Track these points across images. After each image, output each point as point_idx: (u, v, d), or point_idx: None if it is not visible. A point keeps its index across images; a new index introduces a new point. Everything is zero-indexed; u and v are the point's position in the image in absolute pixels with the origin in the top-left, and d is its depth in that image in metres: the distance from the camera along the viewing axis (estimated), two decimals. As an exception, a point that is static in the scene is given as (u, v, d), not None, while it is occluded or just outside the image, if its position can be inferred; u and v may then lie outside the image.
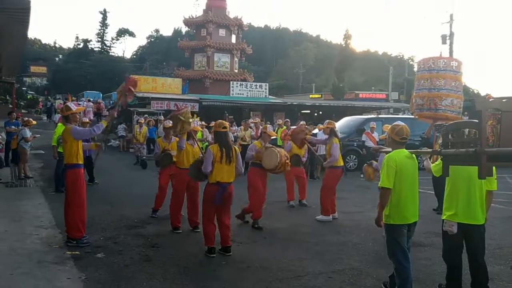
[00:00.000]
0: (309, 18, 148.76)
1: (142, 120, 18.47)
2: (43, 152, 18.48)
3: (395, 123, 5.21)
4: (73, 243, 6.73)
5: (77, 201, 6.87)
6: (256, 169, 8.13)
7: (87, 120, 12.98)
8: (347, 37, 47.75)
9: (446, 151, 4.14)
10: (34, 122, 14.25)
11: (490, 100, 3.86)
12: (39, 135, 15.36)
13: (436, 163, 5.02)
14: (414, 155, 4.87)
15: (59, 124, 11.78)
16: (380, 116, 23.39)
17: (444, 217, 4.96)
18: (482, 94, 59.95)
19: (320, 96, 51.02)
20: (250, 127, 15.76)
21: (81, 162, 6.97)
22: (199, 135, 16.52)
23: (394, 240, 4.82)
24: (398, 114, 29.00)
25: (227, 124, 6.69)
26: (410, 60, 76.00)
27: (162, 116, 21.68)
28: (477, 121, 3.75)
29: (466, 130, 4.05)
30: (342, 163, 9.13)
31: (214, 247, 6.44)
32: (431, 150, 5.29)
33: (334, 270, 5.91)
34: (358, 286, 5.37)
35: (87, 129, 7.51)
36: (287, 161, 7.85)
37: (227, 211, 6.59)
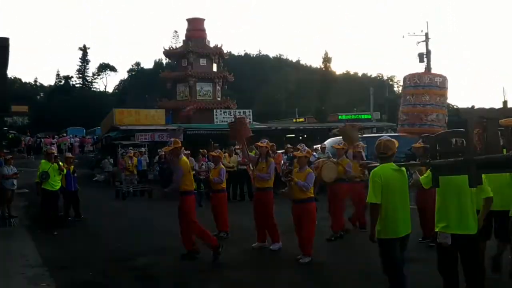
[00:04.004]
0: (288, 43, 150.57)
1: (131, 153, 18.49)
2: (27, 190, 18.15)
3: (380, 138, 5.24)
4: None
5: (194, 220, 7.58)
6: None
7: (71, 155, 12.91)
8: (326, 60, 48.34)
9: (435, 162, 4.15)
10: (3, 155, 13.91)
11: (475, 108, 3.91)
12: (19, 172, 15.06)
13: (425, 175, 5.02)
14: (402, 168, 4.87)
15: (43, 161, 11.62)
16: (364, 135, 23.52)
17: (437, 229, 4.93)
18: (462, 109, 60.54)
19: (303, 120, 51.37)
20: (236, 153, 15.75)
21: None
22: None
23: (387, 254, 4.78)
24: (381, 133, 29.24)
25: None
26: (389, 80, 77.17)
27: (144, 148, 21.51)
28: (463, 130, 3.78)
29: (453, 140, 4.08)
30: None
31: None
32: (419, 162, 5.30)
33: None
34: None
35: None
36: None
37: None
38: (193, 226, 7.58)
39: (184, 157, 7.99)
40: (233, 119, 9.82)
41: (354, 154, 9.34)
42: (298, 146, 9.56)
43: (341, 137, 10.45)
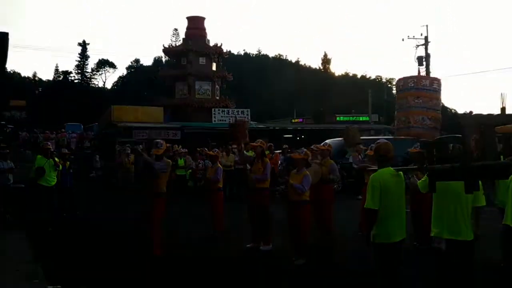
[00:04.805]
0: (288, 43, 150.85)
1: (129, 150, 18.51)
2: (23, 186, 18.06)
3: (378, 141, 5.21)
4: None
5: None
6: None
7: (67, 151, 12.89)
8: (325, 61, 48.48)
9: (432, 167, 4.13)
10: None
11: (473, 114, 3.89)
12: (15, 167, 14.99)
13: (423, 179, 5.00)
14: (400, 173, 4.85)
15: (39, 156, 11.57)
16: (361, 137, 23.50)
17: (432, 234, 4.92)
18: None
19: (297, 120, 51.47)
20: (233, 152, 15.73)
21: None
22: (180, 162, 16.45)
23: (381, 259, 4.76)
24: (379, 136, 29.26)
25: None
26: (388, 83, 77.27)
27: (141, 146, 21.47)
28: (460, 135, 3.77)
29: (451, 145, 4.07)
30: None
31: None
32: (416, 166, 5.28)
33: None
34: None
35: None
36: None
37: None
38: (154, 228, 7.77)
39: (168, 160, 8.22)
40: (234, 119, 9.95)
41: (370, 157, 9.19)
42: (312, 147, 9.36)
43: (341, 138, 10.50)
